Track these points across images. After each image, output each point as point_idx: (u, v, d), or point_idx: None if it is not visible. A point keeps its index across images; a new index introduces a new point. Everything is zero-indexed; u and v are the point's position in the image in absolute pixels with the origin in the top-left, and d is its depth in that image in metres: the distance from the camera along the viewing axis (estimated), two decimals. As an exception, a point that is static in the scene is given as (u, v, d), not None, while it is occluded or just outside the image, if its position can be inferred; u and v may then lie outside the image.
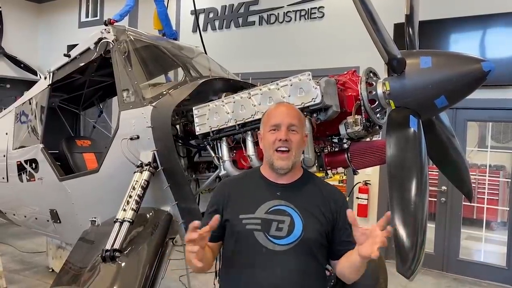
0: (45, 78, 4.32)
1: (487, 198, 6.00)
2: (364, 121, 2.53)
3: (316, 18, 6.98)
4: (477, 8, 5.67)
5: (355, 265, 1.73)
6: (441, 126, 2.84)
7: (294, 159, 1.87)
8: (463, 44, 5.86)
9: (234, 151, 2.91)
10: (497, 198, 6.02)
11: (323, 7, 6.90)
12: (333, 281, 3.32)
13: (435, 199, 6.10)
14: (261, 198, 1.87)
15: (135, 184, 2.99)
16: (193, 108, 2.96)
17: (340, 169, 2.94)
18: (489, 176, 6.01)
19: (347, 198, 6.52)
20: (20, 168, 4.45)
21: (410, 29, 2.54)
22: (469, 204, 5.86)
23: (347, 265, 1.81)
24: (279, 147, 1.86)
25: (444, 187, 6.00)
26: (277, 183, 1.92)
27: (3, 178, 4.73)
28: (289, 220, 1.82)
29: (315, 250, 1.84)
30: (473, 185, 5.44)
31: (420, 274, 5.76)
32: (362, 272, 1.78)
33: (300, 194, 1.90)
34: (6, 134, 4.73)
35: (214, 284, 2.02)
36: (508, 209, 5.81)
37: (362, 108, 2.52)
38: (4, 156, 4.68)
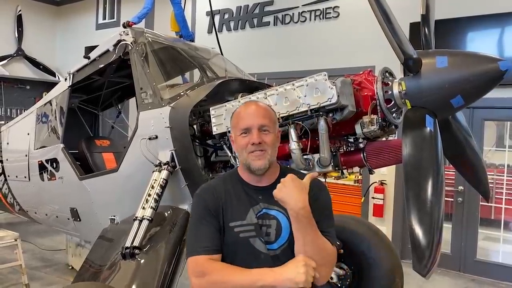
0: (65, 79, 4.41)
1: (505, 198, 5.91)
2: (380, 120, 2.54)
3: (331, 18, 6.97)
4: (494, 6, 5.59)
5: None
6: (457, 125, 2.83)
7: (270, 158, 1.83)
8: (480, 43, 5.77)
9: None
10: (516, 198, 5.94)
11: (338, 6, 6.88)
12: (348, 280, 3.34)
13: (452, 199, 6.03)
14: (247, 204, 1.83)
15: (154, 183, 3.06)
16: (210, 108, 3.00)
17: (356, 169, 2.95)
18: (507, 176, 5.92)
19: (363, 199, 6.51)
20: (41, 168, 4.56)
21: (426, 29, 2.54)
22: (487, 204, 5.78)
23: None
24: (253, 151, 1.80)
25: (461, 187, 5.94)
26: (257, 186, 1.87)
27: (25, 177, 4.85)
28: (275, 224, 1.80)
29: None
30: (491, 185, 5.38)
31: (437, 275, 5.71)
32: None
33: None
34: (28, 134, 4.84)
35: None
36: (527, 209, 5.73)
37: (378, 107, 2.53)
38: (26, 155, 4.80)
